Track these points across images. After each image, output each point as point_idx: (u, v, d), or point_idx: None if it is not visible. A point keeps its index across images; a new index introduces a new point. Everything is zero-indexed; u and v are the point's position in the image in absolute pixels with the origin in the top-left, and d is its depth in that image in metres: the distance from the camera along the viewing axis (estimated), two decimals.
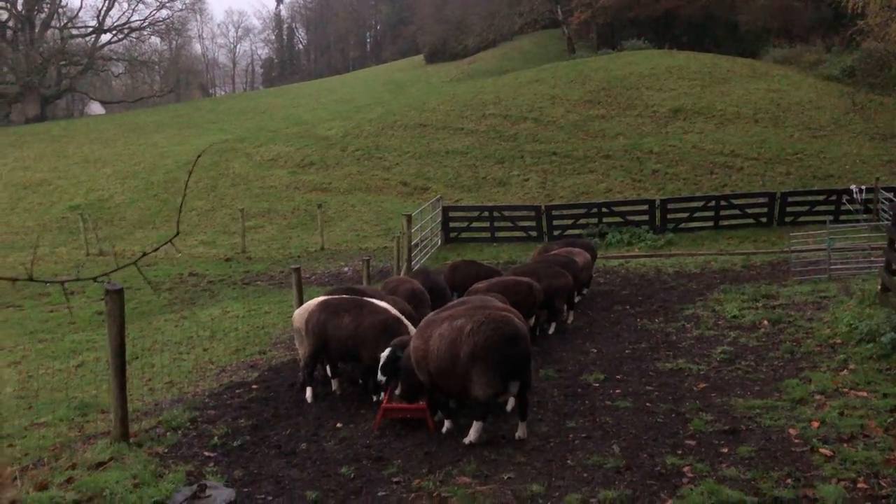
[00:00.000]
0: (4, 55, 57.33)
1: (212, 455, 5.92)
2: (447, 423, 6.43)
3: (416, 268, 14.30)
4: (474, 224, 20.72)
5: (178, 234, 2.28)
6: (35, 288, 18.11)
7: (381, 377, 6.70)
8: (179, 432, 6.43)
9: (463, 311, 6.32)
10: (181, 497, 3.33)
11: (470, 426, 6.10)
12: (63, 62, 60.85)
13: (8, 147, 39.03)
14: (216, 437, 6.29)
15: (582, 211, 20.20)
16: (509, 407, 6.75)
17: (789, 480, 4.91)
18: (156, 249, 2.17)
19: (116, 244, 22.14)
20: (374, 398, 7.24)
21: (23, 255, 22.07)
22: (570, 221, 20.04)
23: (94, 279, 1.99)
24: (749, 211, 19.71)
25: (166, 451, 5.99)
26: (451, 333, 6.01)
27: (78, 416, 7.31)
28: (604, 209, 20.05)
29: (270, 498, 5.12)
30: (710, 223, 19.73)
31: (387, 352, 6.68)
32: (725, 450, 5.55)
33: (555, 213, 20.21)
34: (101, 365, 9.96)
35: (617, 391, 7.26)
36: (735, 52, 38.19)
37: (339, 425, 6.71)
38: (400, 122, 31.71)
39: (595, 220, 19.79)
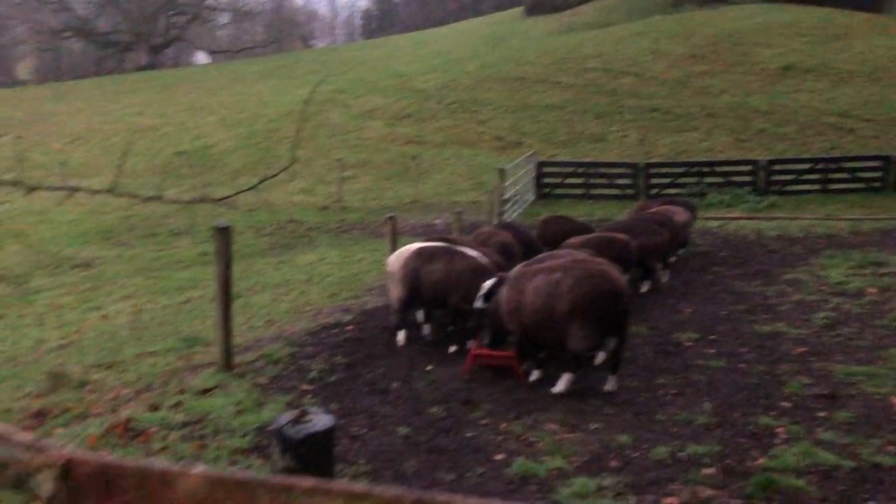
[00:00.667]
0: (119, 5, 59.77)
1: (309, 388, 6.20)
2: (536, 373, 6.49)
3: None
4: (568, 180, 20.47)
5: (294, 162, 2.38)
6: (145, 229, 19.12)
7: (480, 305, 6.79)
8: (279, 366, 6.74)
9: (560, 264, 6.31)
10: (284, 419, 3.51)
11: (558, 377, 6.15)
12: (172, 12, 63.00)
13: (121, 94, 40.95)
14: (313, 372, 6.57)
15: (681, 170, 19.65)
16: (598, 360, 6.75)
17: (891, 448, 4.74)
18: (275, 175, 2.28)
19: (220, 189, 23.00)
20: (455, 348, 7.36)
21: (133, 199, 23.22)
22: (668, 180, 19.53)
23: (219, 200, 2.11)
24: (861, 175, 18.71)
25: (267, 382, 6.30)
26: (549, 287, 6.02)
27: (185, 348, 7.73)
28: (705, 169, 19.43)
29: (364, 430, 5.34)
30: (818, 186, 18.85)
31: (492, 280, 6.77)
32: (823, 414, 5.39)
33: (653, 171, 19.73)
34: (204, 302, 10.49)
35: (710, 351, 7.13)
36: (854, 5, 35.80)
37: (429, 368, 6.87)
38: (496, 75, 31.42)
39: (695, 180, 19.24)
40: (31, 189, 1.84)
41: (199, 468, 0.73)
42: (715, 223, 16.03)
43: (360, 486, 0.70)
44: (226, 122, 31.57)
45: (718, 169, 19.42)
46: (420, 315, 8.23)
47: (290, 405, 5.57)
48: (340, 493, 0.69)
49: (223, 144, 28.86)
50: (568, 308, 5.85)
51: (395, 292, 7.90)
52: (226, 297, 6.40)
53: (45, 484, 0.75)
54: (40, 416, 5.81)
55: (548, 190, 20.52)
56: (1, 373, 7.64)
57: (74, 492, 0.75)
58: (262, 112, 31.92)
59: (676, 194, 17.79)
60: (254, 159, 26.94)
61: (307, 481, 0.70)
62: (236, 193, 2.16)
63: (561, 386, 6.09)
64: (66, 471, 0.75)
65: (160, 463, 0.73)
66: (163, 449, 4.92)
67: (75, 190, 2.00)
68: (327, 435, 3.67)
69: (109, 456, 0.75)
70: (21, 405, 6.03)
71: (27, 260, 15.55)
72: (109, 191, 1.94)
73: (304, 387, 6.23)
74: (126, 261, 15.62)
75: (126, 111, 35.93)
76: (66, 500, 0.76)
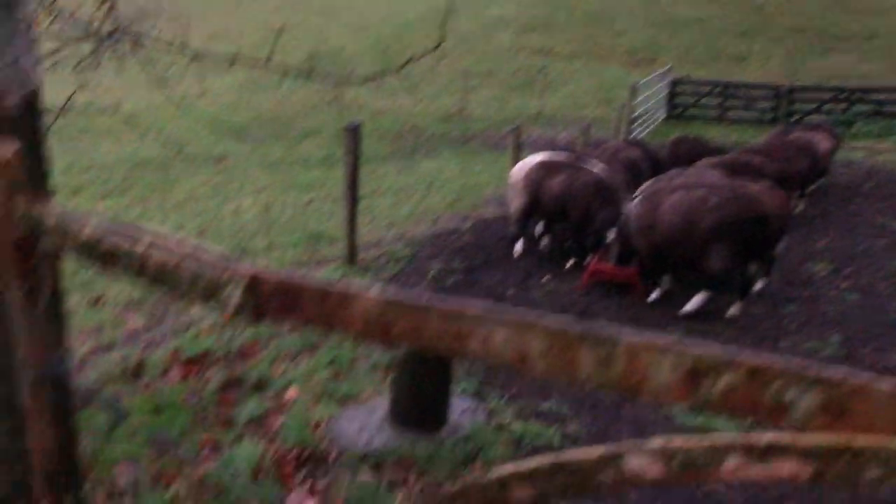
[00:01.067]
0: None
1: (429, 288, 6.36)
2: (656, 292, 6.38)
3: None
4: (703, 101, 19.50)
5: (443, 40, 2.37)
6: (275, 128, 19.75)
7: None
8: (400, 264, 6.94)
9: (704, 181, 6.11)
10: None
11: (679, 298, 6.03)
12: None
13: None
14: (433, 272, 6.73)
15: (829, 95, 18.29)
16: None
17: None
18: (420, 57, 2.28)
19: (350, 91, 23.29)
20: (572, 262, 7.31)
21: (263, 96, 23.89)
22: (812, 106, 18.26)
23: (364, 81, 2.14)
24: None
25: (388, 278, 6.51)
26: (690, 204, 5.83)
27: (311, 243, 8.06)
28: (856, 95, 18.00)
29: None
30: None
31: (645, 185, 6.67)
32: None
33: (797, 95, 18.47)
34: (328, 202, 10.84)
35: (844, 284, 6.78)
36: None
37: (545, 279, 6.89)
38: None
39: (843, 107, 17.89)
40: (194, 57, 1.93)
41: (375, 289, 0.76)
42: (860, 154, 14.96)
43: (530, 315, 0.72)
44: (354, 26, 31.69)
45: (871, 97, 17.95)
46: (539, 227, 8.22)
47: None
48: (507, 322, 0.71)
49: (350, 49, 29.09)
50: (711, 227, 5.66)
51: (516, 203, 7.88)
52: (353, 194, 6.58)
53: (233, 296, 0.81)
54: None
55: (680, 110, 19.65)
56: None
57: (259, 304, 0.81)
58: (389, 19, 31.82)
59: (821, 122, 16.66)
60: (380, 65, 27.03)
61: (476, 307, 0.72)
62: (381, 74, 2.18)
63: (691, 307, 5.95)
64: (253, 285, 0.80)
65: (339, 283, 0.77)
66: (291, 330, 5.21)
67: (234, 60, 2.08)
68: None
69: (292, 274, 0.79)
70: None
71: (167, 150, 16.44)
72: (268, 59, 2.00)
73: (424, 285, 6.41)
74: (256, 158, 16.24)
75: (260, 11, 36.64)
76: (251, 312, 0.82)
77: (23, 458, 1.15)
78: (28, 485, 1.15)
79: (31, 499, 1.15)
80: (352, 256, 6.74)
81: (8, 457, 1.15)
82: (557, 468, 0.75)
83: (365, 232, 8.65)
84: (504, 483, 0.78)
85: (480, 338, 0.73)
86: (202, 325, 5.36)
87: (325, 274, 6.57)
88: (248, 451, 3.53)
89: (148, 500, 3.13)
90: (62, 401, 1.08)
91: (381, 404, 4.01)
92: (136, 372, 4.54)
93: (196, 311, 5.75)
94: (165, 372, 4.55)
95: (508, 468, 0.78)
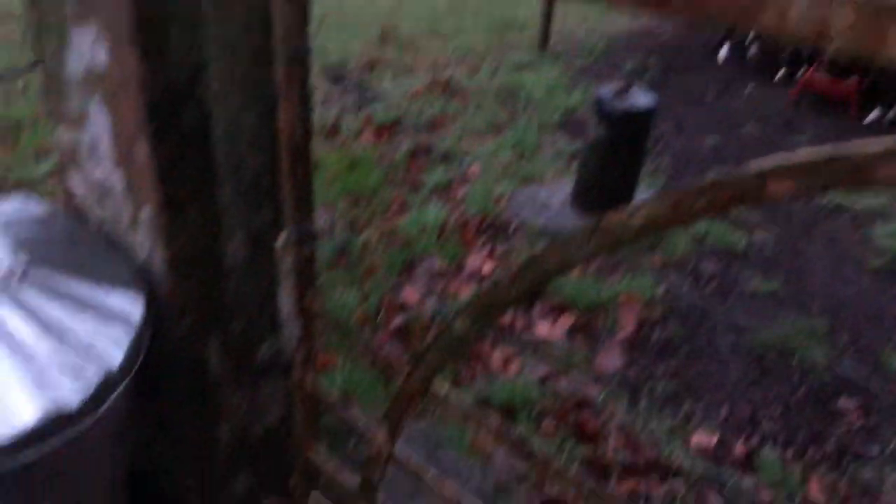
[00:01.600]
0: None
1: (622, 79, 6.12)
2: (874, 113, 5.78)
3: None
4: None
5: None
6: None
7: None
8: (593, 56, 6.66)
9: None
10: (609, 92, 3.53)
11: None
12: None
13: None
14: (627, 67, 6.43)
15: None
16: None
17: None
18: None
19: None
20: (783, 73, 6.70)
21: None
22: None
23: None
24: None
25: (580, 68, 6.30)
26: None
27: (500, 29, 7.86)
28: None
29: (672, 132, 5.26)
30: None
31: None
32: None
33: None
34: None
35: None
36: None
37: (748, 89, 6.41)
38: None
39: None
40: None
41: None
42: None
43: None
44: None
45: None
46: (751, 33, 7.52)
47: None
48: None
49: None
50: None
51: None
52: None
53: None
54: (372, 64, 6.39)
55: None
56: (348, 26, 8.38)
57: None
58: None
59: None
60: None
61: None
62: None
63: None
64: None
65: None
66: (478, 107, 5.25)
67: None
68: (647, 114, 3.65)
69: None
70: (358, 54, 6.63)
71: None
72: None
73: (618, 78, 6.16)
74: None
75: None
76: None
77: (273, 140, 1.25)
78: (277, 163, 1.26)
79: (277, 173, 1.27)
80: (544, 42, 6.55)
81: (260, 139, 1.25)
82: (829, 161, 0.71)
83: (558, 20, 8.31)
84: (763, 175, 0.76)
85: (776, 8, 0.67)
86: (392, 98, 5.50)
87: (516, 57, 6.47)
88: (434, 212, 3.71)
89: (342, 240, 3.41)
90: (306, 83, 1.15)
91: (562, 188, 4.03)
92: (332, 132, 4.80)
93: (387, 83, 5.90)
94: (359, 135, 4.77)
95: (770, 161, 0.75)
